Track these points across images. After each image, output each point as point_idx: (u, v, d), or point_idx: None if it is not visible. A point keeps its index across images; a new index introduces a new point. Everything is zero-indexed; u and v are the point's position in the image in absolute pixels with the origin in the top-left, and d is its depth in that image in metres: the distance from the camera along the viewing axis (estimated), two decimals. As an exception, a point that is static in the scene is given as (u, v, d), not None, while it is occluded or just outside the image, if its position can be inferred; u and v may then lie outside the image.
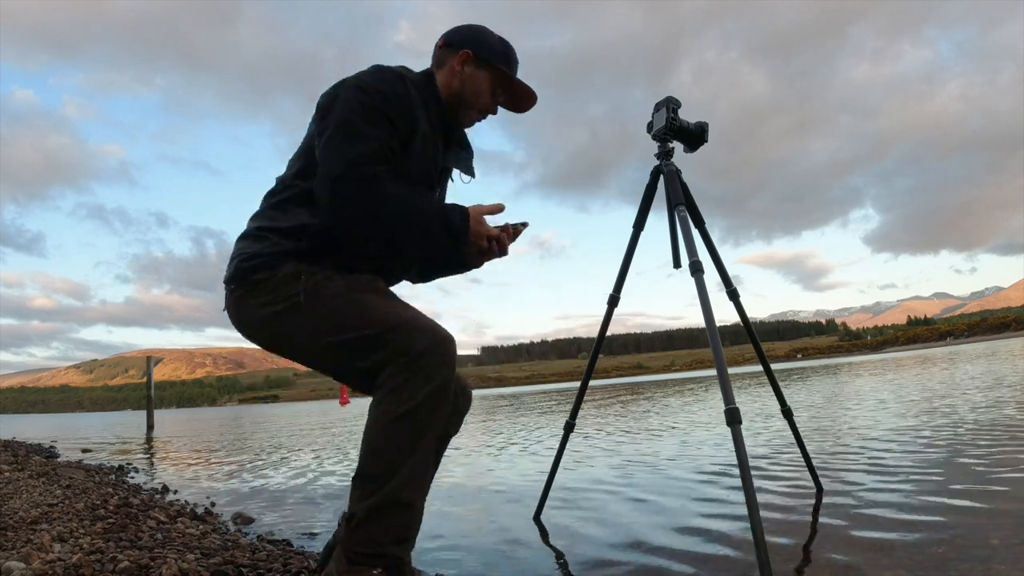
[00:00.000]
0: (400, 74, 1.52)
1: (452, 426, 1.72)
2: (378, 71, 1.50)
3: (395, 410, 1.35)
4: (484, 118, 1.68)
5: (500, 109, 1.70)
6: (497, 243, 1.54)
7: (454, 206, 1.47)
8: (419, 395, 1.35)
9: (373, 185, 1.36)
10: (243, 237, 1.56)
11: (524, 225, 1.62)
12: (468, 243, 1.48)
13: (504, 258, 1.61)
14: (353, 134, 1.39)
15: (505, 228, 1.58)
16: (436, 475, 1.68)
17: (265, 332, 1.51)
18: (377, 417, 1.38)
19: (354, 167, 1.36)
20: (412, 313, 1.44)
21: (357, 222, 1.41)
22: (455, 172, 1.75)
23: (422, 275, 1.84)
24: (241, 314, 1.52)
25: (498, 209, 1.52)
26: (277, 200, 1.54)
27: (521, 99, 1.69)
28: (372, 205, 1.37)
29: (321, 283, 1.44)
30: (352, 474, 1.42)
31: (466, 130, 1.72)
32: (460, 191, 1.96)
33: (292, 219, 1.48)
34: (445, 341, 1.40)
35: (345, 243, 1.49)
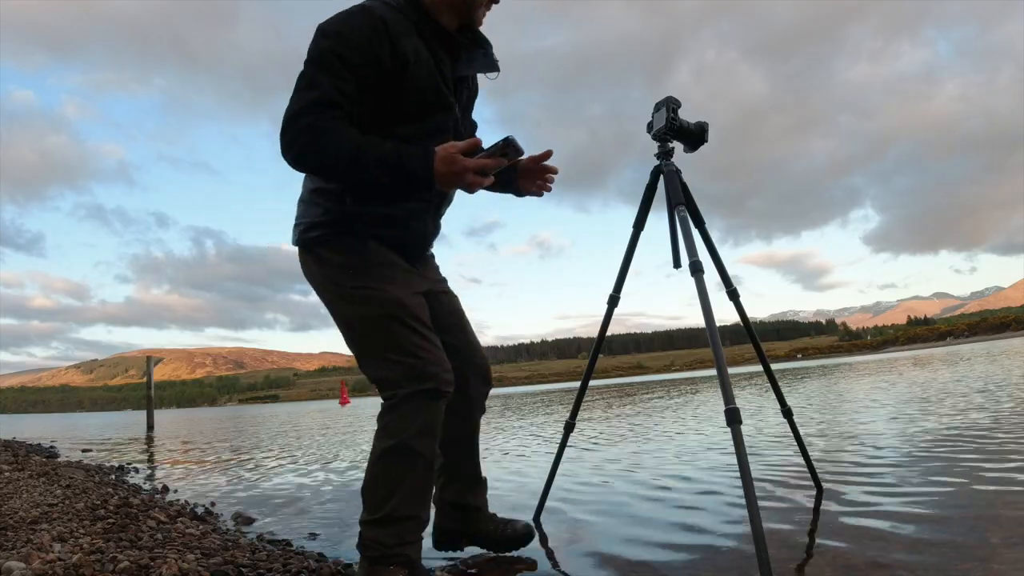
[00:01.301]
0: (369, 10, 1.46)
1: (476, 409, 1.88)
2: (344, 13, 1.47)
3: (384, 444, 1.56)
4: (490, 7, 1.62)
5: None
6: (485, 172, 1.44)
7: (415, 148, 1.43)
8: (404, 433, 1.53)
9: (311, 135, 1.40)
10: (301, 201, 1.66)
11: (507, 144, 1.42)
12: (439, 184, 1.43)
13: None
14: (304, 84, 1.43)
15: (491, 154, 1.43)
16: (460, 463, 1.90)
17: (320, 294, 1.67)
18: (372, 449, 1.59)
19: (296, 117, 1.41)
20: (420, 351, 1.55)
21: (305, 167, 1.49)
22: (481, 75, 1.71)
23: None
24: (306, 274, 1.68)
25: (475, 144, 1.44)
26: None
27: None
28: (314, 151, 1.41)
29: (363, 285, 1.57)
30: (356, 478, 1.50)
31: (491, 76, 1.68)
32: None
33: None
34: (435, 388, 1.54)
35: (377, 197, 1.56)
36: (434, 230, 1.74)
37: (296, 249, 1.70)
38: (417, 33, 1.50)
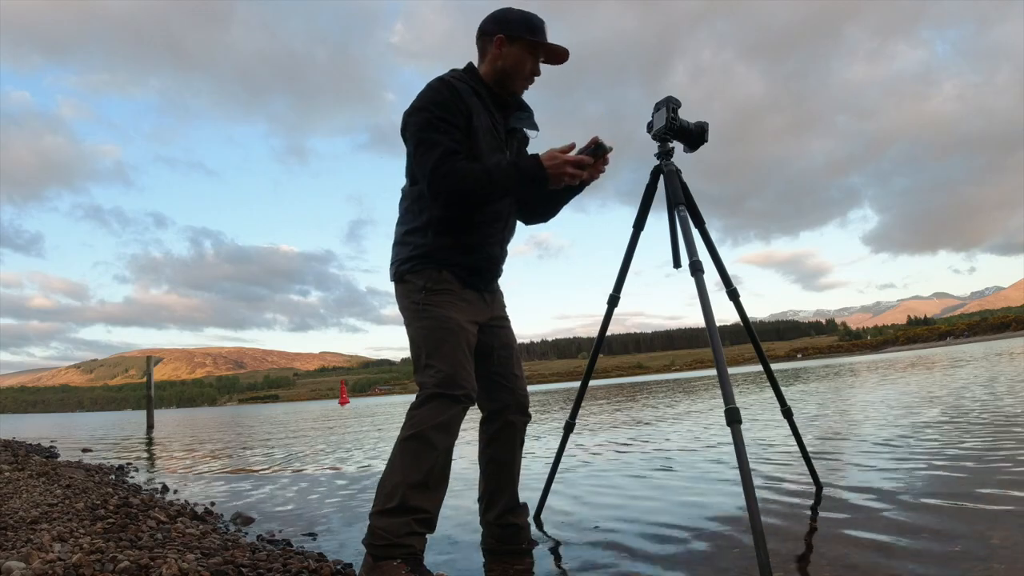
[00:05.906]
0: (445, 81, 1.89)
1: (516, 437, 2.11)
2: (428, 88, 1.88)
3: (405, 434, 1.79)
4: (532, 81, 2.01)
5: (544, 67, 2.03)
6: (580, 166, 1.82)
7: (523, 156, 1.81)
8: (424, 425, 1.77)
9: (452, 176, 1.77)
10: (395, 244, 2.01)
11: (597, 145, 1.80)
12: (549, 179, 1.80)
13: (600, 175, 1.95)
14: (427, 145, 1.81)
15: (585, 152, 1.82)
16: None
17: (402, 312, 1.98)
18: (396, 441, 1.80)
19: (434, 171, 1.78)
20: (458, 366, 1.83)
21: (456, 204, 1.84)
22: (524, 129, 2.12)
23: (541, 215, 2.17)
24: (397, 299, 2.00)
25: (569, 148, 1.83)
26: (406, 205, 1.99)
27: (555, 56, 2.00)
28: (459, 189, 1.78)
29: (432, 304, 1.88)
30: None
31: (524, 97, 2.07)
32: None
33: (421, 217, 1.92)
34: (459, 395, 1.81)
35: (455, 227, 1.89)
36: (501, 255, 2.04)
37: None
38: (475, 93, 1.92)
